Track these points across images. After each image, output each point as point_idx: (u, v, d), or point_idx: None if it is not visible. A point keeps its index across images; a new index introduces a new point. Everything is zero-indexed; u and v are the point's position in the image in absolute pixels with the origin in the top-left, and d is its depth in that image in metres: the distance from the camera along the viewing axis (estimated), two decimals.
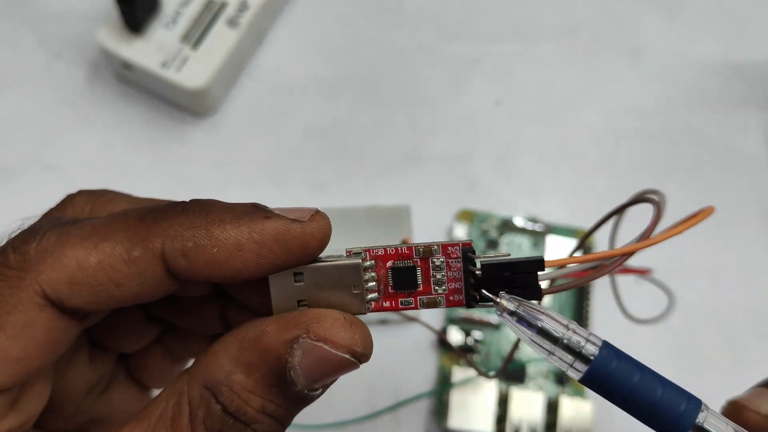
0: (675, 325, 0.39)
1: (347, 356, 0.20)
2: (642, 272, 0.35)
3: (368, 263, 0.21)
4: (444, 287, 0.21)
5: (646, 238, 0.21)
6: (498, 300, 0.20)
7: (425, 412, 0.37)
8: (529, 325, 0.20)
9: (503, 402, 0.37)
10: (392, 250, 0.21)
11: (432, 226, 0.41)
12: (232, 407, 0.19)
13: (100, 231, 0.20)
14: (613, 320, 0.39)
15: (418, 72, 0.45)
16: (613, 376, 0.19)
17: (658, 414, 0.19)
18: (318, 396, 0.20)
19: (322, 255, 0.21)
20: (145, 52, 0.40)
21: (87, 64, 0.43)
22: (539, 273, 0.20)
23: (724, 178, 0.43)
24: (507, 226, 0.40)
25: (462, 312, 0.38)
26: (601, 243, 0.39)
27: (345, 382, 0.38)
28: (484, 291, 0.20)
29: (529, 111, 0.44)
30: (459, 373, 0.37)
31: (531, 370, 0.38)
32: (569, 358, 0.20)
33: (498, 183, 0.42)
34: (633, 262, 0.36)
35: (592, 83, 0.45)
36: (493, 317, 0.38)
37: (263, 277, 0.21)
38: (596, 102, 0.44)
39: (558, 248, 0.40)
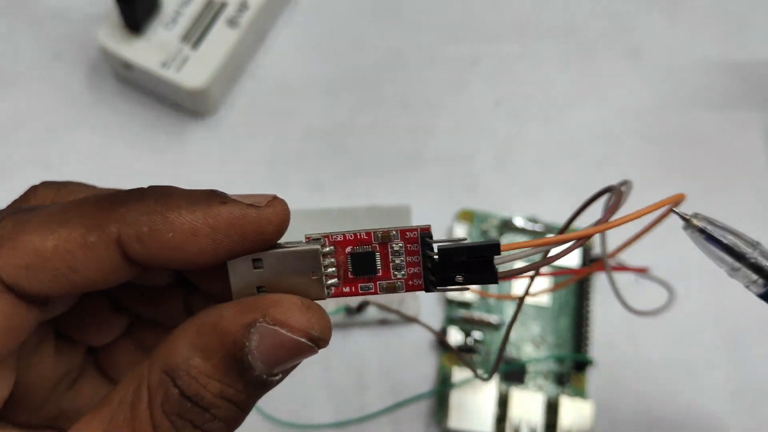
0: (676, 324, 0.39)
1: (304, 340, 0.20)
2: (640, 270, 0.35)
3: (327, 249, 0.21)
4: (403, 272, 0.21)
5: (602, 222, 0.21)
6: (456, 288, 0.20)
7: (425, 412, 0.37)
8: (716, 242, 0.21)
9: (503, 402, 0.37)
10: (351, 236, 0.21)
11: (432, 226, 0.41)
12: (189, 391, 0.19)
13: (57, 217, 0.20)
14: (613, 321, 0.39)
15: (418, 72, 0.45)
16: None
17: None
18: (278, 381, 0.21)
19: (283, 241, 0.21)
20: (145, 52, 0.40)
21: (87, 64, 0.43)
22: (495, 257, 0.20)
23: (723, 178, 0.43)
24: (507, 226, 0.40)
25: (462, 312, 0.38)
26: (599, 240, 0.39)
27: (345, 381, 0.38)
28: (443, 276, 0.20)
29: (529, 111, 0.44)
30: (459, 373, 0.37)
31: (531, 370, 0.38)
32: (753, 276, 0.21)
33: (498, 183, 0.42)
34: (632, 261, 0.36)
35: (591, 83, 0.45)
36: (493, 317, 0.38)
37: (222, 263, 0.21)
38: (596, 102, 0.44)
39: (558, 248, 0.40)
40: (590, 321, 0.39)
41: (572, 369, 0.38)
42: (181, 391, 0.19)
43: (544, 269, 0.39)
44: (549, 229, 0.40)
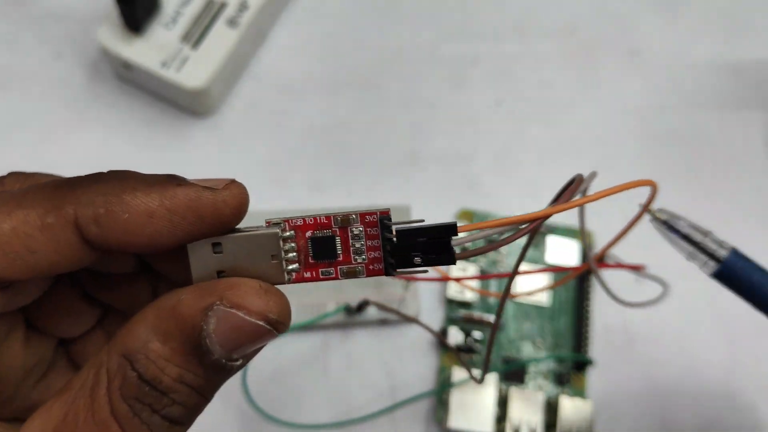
0: (676, 325, 0.40)
1: (262, 323, 0.20)
2: (636, 268, 0.35)
3: (288, 234, 0.21)
4: (363, 256, 0.21)
5: (560, 203, 0.21)
6: (415, 270, 0.20)
7: (425, 412, 0.38)
8: (676, 231, 0.26)
9: (503, 402, 0.37)
10: (311, 220, 0.21)
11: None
12: (147, 374, 0.19)
13: (17, 199, 0.20)
14: (613, 321, 0.39)
15: (418, 72, 0.45)
16: (736, 273, 0.25)
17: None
18: (238, 367, 0.20)
19: (244, 227, 0.21)
20: (145, 51, 0.40)
21: (87, 64, 0.43)
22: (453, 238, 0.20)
23: (723, 178, 0.43)
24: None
25: (462, 312, 0.38)
26: (600, 240, 0.40)
27: (345, 381, 0.38)
28: (402, 258, 0.20)
29: (528, 111, 0.44)
30: (459, 373, 0.37)
31: (531, 370, 0.38)
32: (704, 258, 0.26)
33: (498, 183, 0.42)
34: (632, 259, 0.36)
35: (591, 83, 0.45)
36: (492, 317, 0.38)
37: (182, 247, 0.21)
38: (596, 102, 0.44)
39: (558, 248, 0.40)
40: (590, 321, 0.39)
41: (572, 369, 0.38)
42: (140, 374, 0.19)
43: (534, 267, 0.39)
44: (549, 229, 0.40)
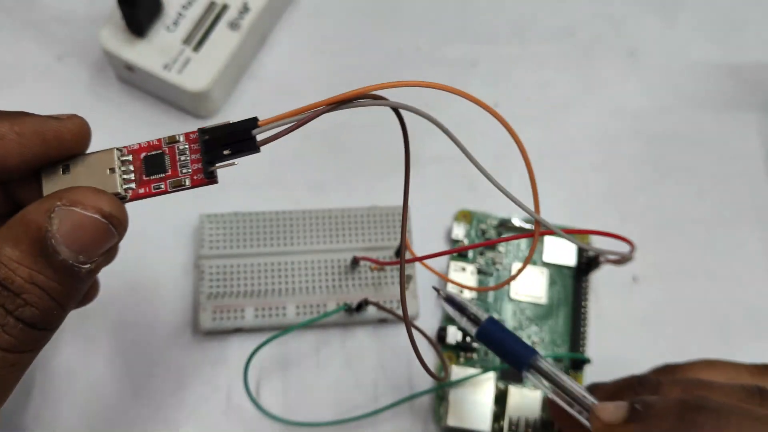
0: (671, 323, 0.40)
1: (98, 217, 0.22)
2: (616, 262, 0.34)
3: (126, 157, 0.24)
4: (188, 169, 0.24)
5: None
6: (231, 163, 0.24)
7: (424, 410, 0.38)
8: (453, 304, 0.32)
9: (501, 400, 0.37)
10: (145, 144, 0.24)
11: (431, 226, 0.41)
12: (0, 276, 0.22)
13: None
14: (610, 319, 0.40)
15: (417, 73, 0.45)
16: (489, 334, 0.31)
17: (514, 355, 0.31)
18: (87, 272, 0.23)
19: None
20: (148, 54, 0.40)
21: (90, 66, 0.44)
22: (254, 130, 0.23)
23: (720, 179, 0.43)
24: (505, 226, 0.41)
25: None
26: (599, 240, 0.40)
27: (344, 380, 0.38)
28: (213, 155, 0.23)
29: (527, 112, 0.44)
30: (457, 371, 0.37)
31: None
32: (469, 324, 0.32)
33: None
34: (630, 264, 0.36)
35: (589, 85, 0.45)
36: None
37: (34, 171, 0.24)
38: (594, 103, 0.45)
39: (555, 247, 0.40)
40: (587, 319, 0.39)
41: (569, 367, 0.38)
42: None
43: (531, 267, 0.39)
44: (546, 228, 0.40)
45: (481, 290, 0.39)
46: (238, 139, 0.23)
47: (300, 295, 0.38)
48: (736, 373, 0.30)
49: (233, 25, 0.41)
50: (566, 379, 0.29)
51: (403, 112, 0.26)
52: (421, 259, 0.32)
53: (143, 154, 0.24)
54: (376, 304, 0.37)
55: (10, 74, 0.43)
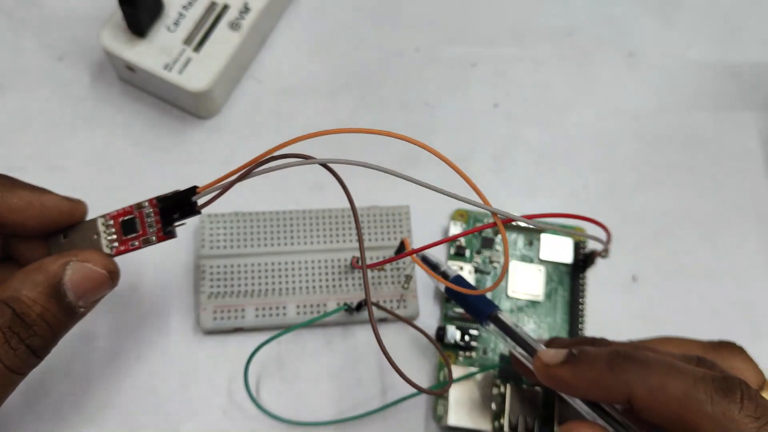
0: (670, 324, 0.40)
1: (104, 272, 0.29)
2: (600, 252, 0.34)
3: (109, 222, 0.30)
4: (153, 228, 0.29)
5: None
6: (181, 223, 0.29)
7: (424, 409, 0.38)
8: (427, 262, 0.35)
9: (501, 399, 0.37)
10: (121, 211, 0.30)
11: (431, 225, 0.41)
12: (18, 309, 0.27)
13: None
14: (608, 316, 0.40)
15: (417, 74, 0.45)
16: (456, 289, 0.32)
17: (476, 307, 0.33)
18: (82, 314, 0.29)
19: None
20: (148, 54, 0.41)
21: (91, 66, 0.44)
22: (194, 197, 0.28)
23: (719, 179, 0.43)
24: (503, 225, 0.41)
25: (459, 310, 0.39)
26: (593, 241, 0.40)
27: (345, 379, 0.38)
28: (167, 219, 0.29)
29: (526, 113, 0.45)
30: (457, 370, 0.38)
31: None
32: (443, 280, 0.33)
33: (496, 183, 0.43)
34: (630, 263, 0.36)
35: (588, 85, 0.45)
36: None
37: (43, 234, 0.31)
38: (593, 104, 0.45)
39: (554, 247, 0.40)
40: (584, 316, 0.39)
41: None
42: (14, 310, 0.27)
43: (529, 265, 0.39)
44: (544, 229, 0.41)
45: (476, 293, 0.39)
46: (182, 206, 0.28)
47: (300, 295, 0.38)
48: (688, 348, 0.32)
49: (234, 26, 0.42)
50: (520, 331, 0.32)
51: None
52: (409, 254, 0.32)
53: (120, 219, 0.30)
54: (376, 304, 0.37)
55: (11, 74, 0.44)
